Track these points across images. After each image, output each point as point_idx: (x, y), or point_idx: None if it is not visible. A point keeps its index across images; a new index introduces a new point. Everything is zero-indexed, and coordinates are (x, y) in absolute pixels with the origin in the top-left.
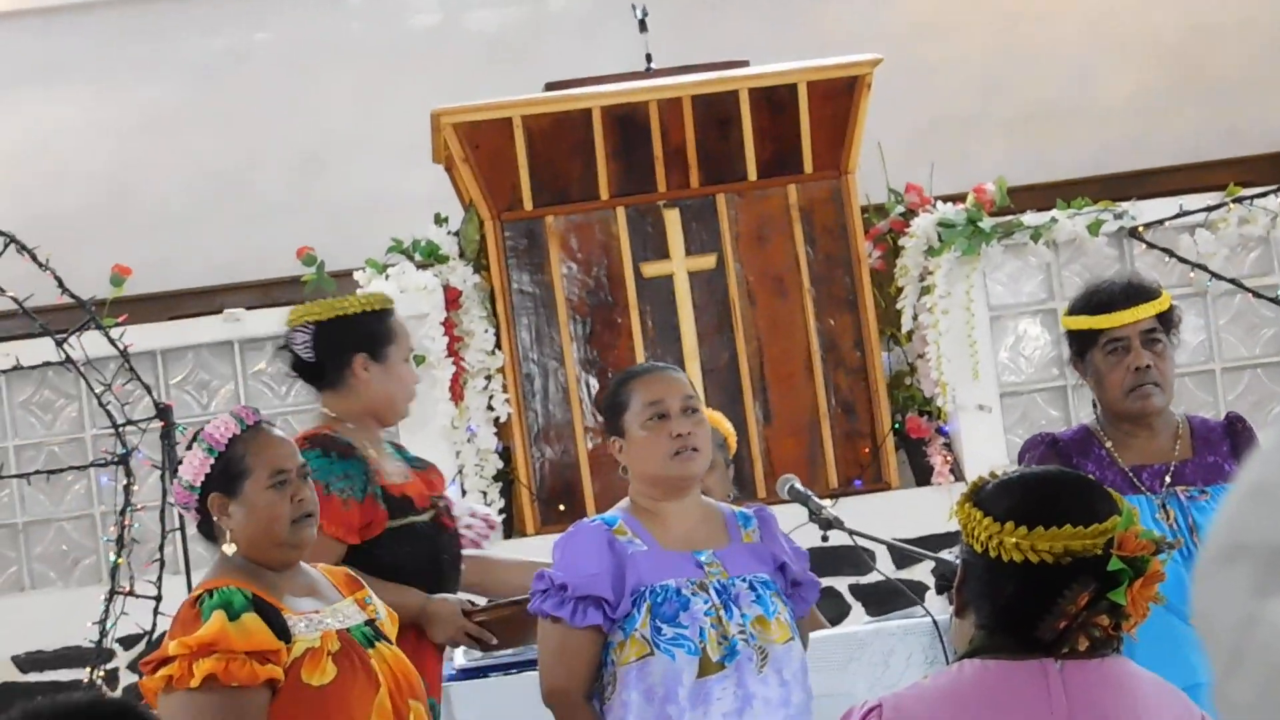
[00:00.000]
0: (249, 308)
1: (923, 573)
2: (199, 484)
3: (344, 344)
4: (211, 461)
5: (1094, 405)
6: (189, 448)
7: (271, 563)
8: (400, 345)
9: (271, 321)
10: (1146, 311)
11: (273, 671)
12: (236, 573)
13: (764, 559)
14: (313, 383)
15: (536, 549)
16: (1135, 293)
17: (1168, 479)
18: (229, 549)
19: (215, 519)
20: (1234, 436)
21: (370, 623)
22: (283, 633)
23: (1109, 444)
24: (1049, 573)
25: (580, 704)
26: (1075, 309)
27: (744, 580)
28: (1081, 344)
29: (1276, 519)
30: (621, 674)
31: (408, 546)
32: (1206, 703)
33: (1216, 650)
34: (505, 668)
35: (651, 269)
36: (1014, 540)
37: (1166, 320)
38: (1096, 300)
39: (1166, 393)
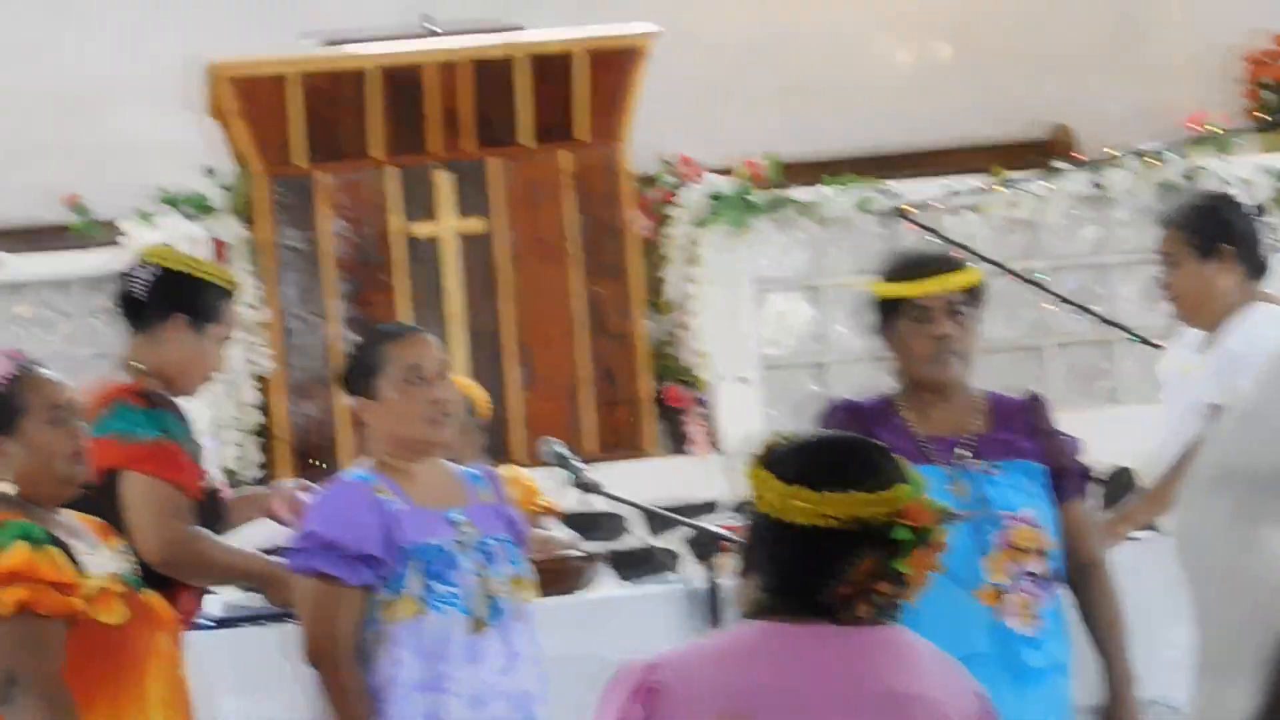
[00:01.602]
0: (10, 252)
1: (676, 540)
2: None
3: (174, 297)
4: None
5: (896, 375)
6: None
7: (50, 500)
8: (222, 328)
9: (34, 266)
10: (953, 282)
11: (77, 605)
12: (13, 510)
13: (502, 517)
14: (131, 320)
15: None
16: (943, 264)
17: (961, 451)
18: (7, 488)
19: None
20: (1030, 414)
21: (134, 569)
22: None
23: (907, 414)
24: (834, 538)
25: (347, 664)
26: (883, 277)
27: (495, 539)
28: (887, 312)
29: (1265, 446)
30: (392, 633)
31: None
32: (979, 674)
33: (1204, 573)
34: (256, 618)
35: (421, 229)
36: (801, 504)
37: (973, 294)
38: (904, 269)
39: (966, 364)
